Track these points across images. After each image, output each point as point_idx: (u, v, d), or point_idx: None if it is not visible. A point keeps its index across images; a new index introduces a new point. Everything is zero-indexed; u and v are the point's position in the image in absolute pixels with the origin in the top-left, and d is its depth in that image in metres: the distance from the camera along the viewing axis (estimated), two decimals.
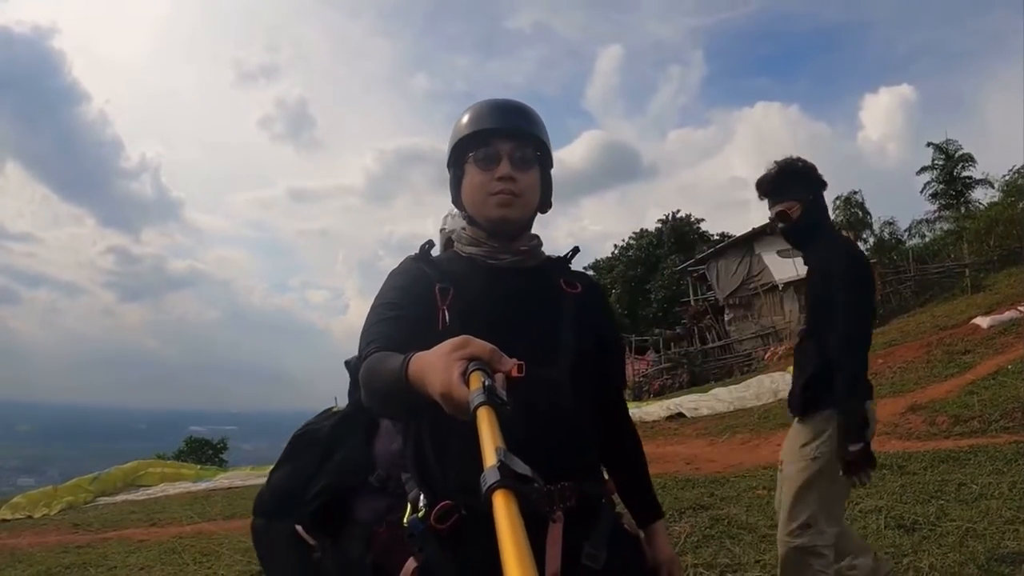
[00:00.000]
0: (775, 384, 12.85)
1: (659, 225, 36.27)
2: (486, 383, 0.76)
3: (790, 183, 2.55)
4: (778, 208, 2.55)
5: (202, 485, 11.21)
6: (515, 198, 1.31)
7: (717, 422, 11.02)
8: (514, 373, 0.84)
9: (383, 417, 1.44)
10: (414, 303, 1.26)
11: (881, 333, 15.99)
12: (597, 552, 1.22)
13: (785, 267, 22.47)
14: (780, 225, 2.58)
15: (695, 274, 27.11)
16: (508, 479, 0.57)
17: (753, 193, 2.67)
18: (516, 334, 0.89)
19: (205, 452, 17.70)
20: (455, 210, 1.61)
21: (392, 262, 1.63)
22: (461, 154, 1.36)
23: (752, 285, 23.72)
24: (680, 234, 33.51)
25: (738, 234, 26.05)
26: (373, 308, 1.30)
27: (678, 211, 35.30)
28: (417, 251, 1.40)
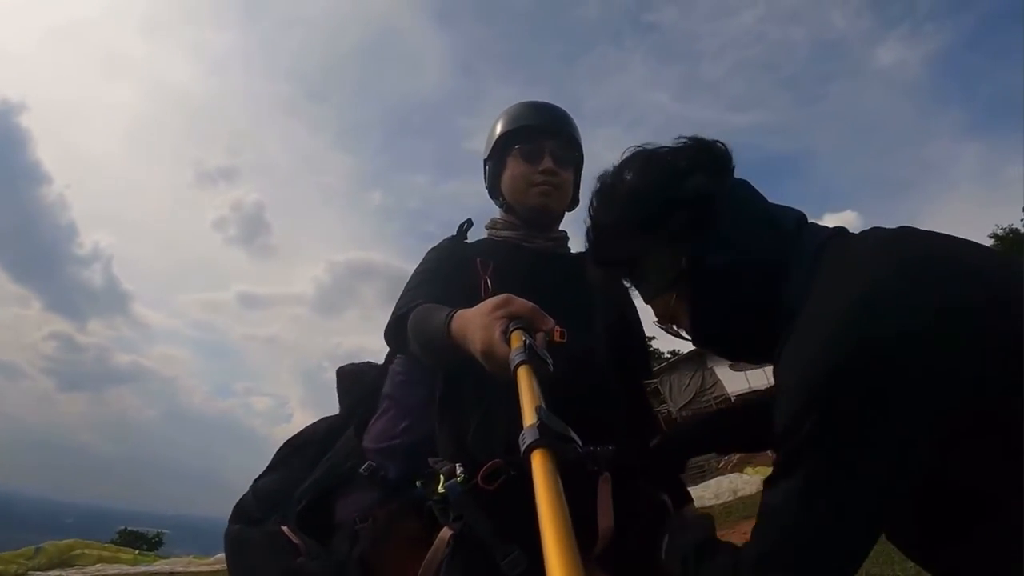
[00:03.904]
0: (733, 484, 13.00)
1: None
2: (527, 342, 0.76)
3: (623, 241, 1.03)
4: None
5: (140, 568, 10.50)
6: (555, 190, 1.39)
7: None
8: (556, 338, 0.85)
9: (432, 366, 1.29)
10: (455, 271, 1.32)
11: None
12: (642, 517, 1.19)
13: (737, 380, 23.10)
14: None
15: (648, 388, 27.47)
16: (547, 438, 0.56)
17: None
18: (554, 305, 0.90)
19: (139, 547, 16.47)
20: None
21: None
22: (504, 147, 1.42)
23: (705, 398, 24.12)
24: None
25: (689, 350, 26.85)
26: (413, 274, 1.35)
27: None
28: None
